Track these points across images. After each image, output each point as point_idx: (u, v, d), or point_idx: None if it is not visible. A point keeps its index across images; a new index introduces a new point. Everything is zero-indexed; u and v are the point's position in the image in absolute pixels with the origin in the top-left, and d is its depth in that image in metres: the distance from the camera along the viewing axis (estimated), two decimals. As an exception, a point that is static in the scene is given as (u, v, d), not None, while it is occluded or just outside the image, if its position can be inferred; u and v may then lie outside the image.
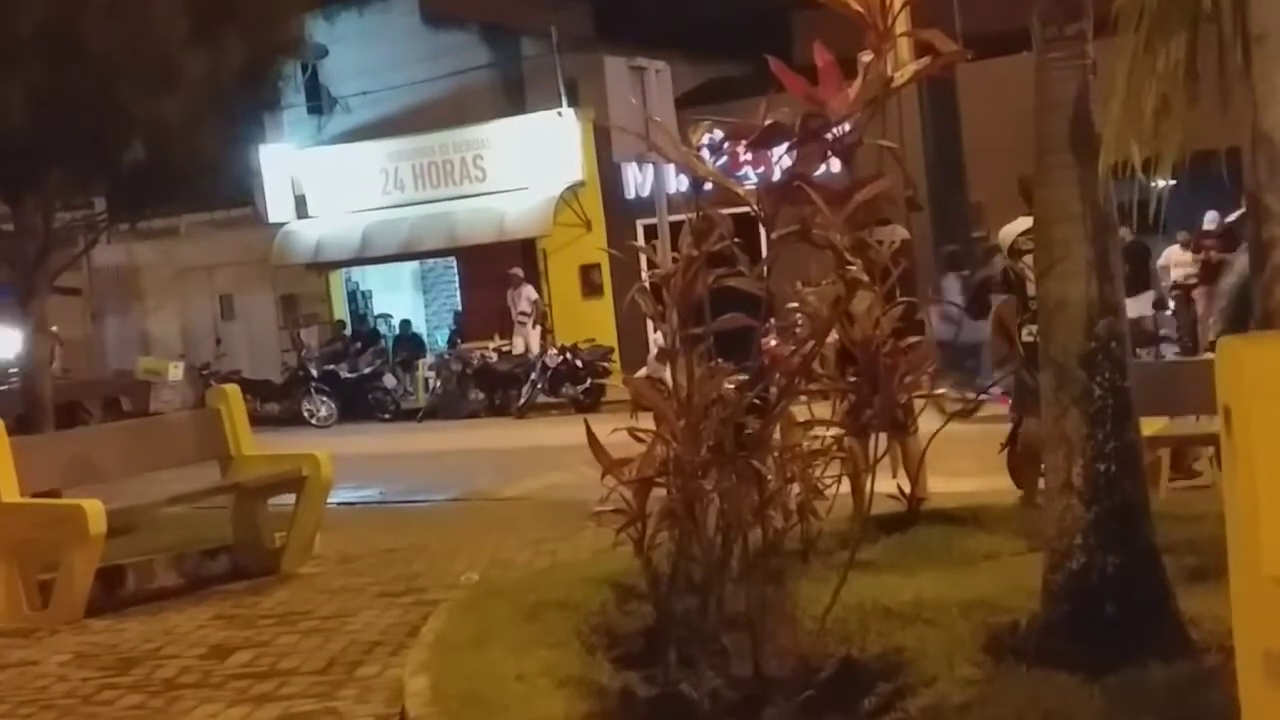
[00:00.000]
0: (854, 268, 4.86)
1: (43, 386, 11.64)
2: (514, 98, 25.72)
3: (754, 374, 5.18)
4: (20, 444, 8.20)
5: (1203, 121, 4.24)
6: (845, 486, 5.96)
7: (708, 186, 5.16)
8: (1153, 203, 4.50)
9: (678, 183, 14.25)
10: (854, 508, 6.77)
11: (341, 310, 27.72)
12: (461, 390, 22.44)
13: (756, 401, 5.12)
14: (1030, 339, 8.16)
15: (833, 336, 5.47)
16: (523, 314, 22.90)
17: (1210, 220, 18.82)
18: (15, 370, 18.49)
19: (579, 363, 20.99)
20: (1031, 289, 8.05)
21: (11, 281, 11.81)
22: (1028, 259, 8.11)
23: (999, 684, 4.68)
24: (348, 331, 26.48)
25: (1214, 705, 3.91)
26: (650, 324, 14.06)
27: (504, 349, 22.63)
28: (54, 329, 22.60)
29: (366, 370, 23.18)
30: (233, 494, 9.06)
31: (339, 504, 10.63)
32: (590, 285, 24.09)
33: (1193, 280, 19.45)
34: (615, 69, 11.04)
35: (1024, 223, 8.24)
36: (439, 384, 22.86)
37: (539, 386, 21.31)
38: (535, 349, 22.50)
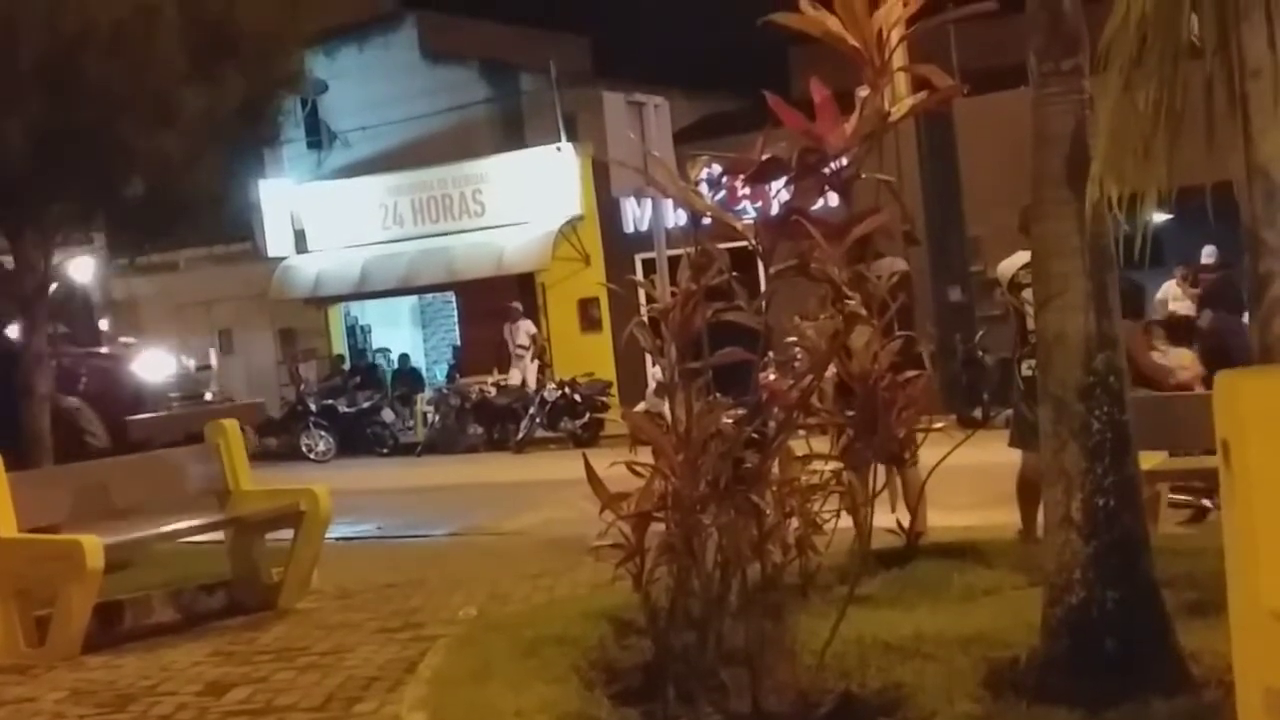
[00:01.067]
0: (852, 301, 4.86)
1: (40, 419, 11.62)
2: (513, 133, 25.83)
3: (752, 408, 5.17)
4: (18, 479, 8.18)
5: (1193, 156, 4.25)
6: (844, 521, 5.93)
7: (706, 221, 5.17)
8: (1138, 239, 4.50)
9: (676, 217, 14.30)
10: (854, 542, 6.76)
11: (340, 345, 27.77)
12: (460, 425, 22.46)
13: (755, 436, 5.12)
14: (1029, 373, 8.17)
15: (831, 370, 5.48)
16: (521, 347, 22.94)
17: (1208, 255, 18.87)
18: (176, 395, 18.56)
19: (577, 397, 21.01)
20: (1031, 323, 8.08)
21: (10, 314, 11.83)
22: (1027, 293, 8.13)
23: (999, 719, 4.66)
24: (346, 366, 26.51)
25: (1215, 741, 3.89)
26: (648, 358, 14.06)
27: (502, 383, 22.65)
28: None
29: (365, 405, 23.19)
30: (230, 529, 9.03)
31: (337, 539, 10.60)
32: (589, 319, 24.14)
33: (1190, 314, 19.49)
34: (614, 104, 11.08)
35: (1023, 256, 8.25)
36: (437, 418, 22.88)
37: (537, 421, 21.32)
38: (533, 383, 22.53)
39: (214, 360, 24.47)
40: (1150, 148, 4.18)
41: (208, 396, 19.86)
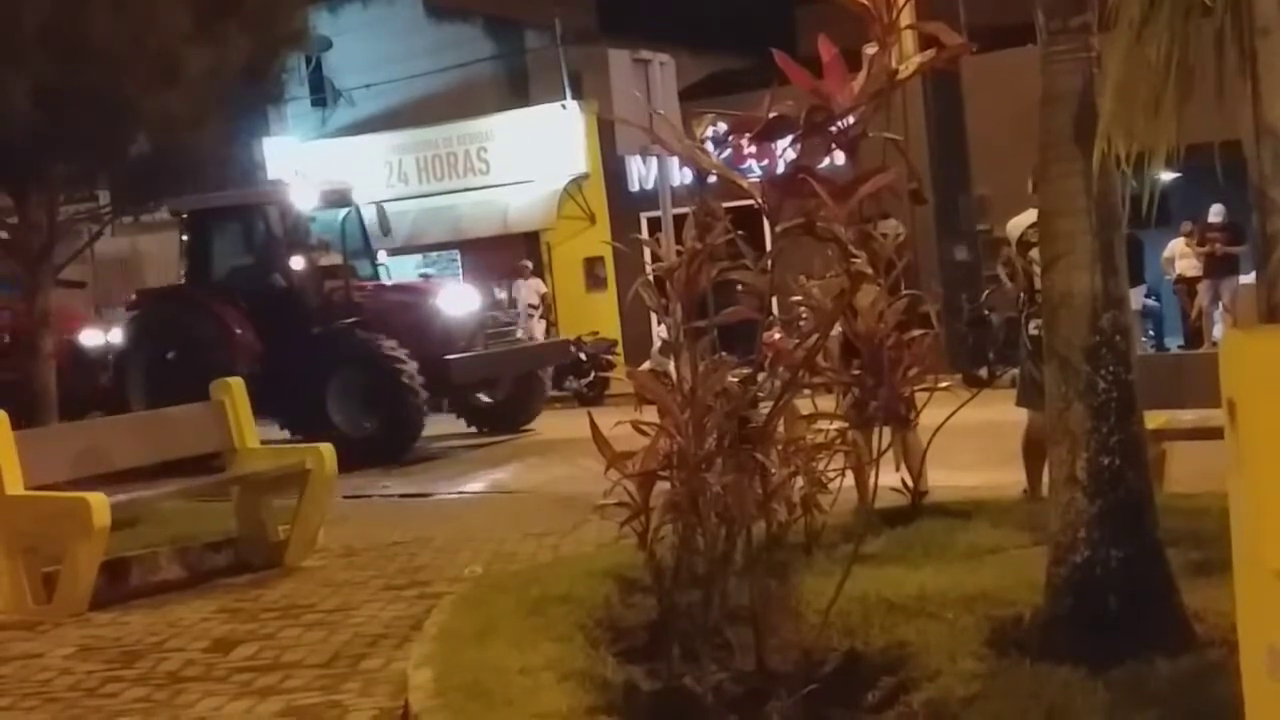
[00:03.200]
0: (858, 260, 4.85)
1: (45, 378, 11.65)
2: (518, 90, 25.72)
3: (757, 367, 5.17)
4: (25, 437, 8.21)
5: (1201, 114, 4.23)
6: (849, 480, 5.94)
7: (711, 179, 5.15)
8: (1145, 197, 4.48)
9: (681, 176, 14.30)
10: (858, 501, 6.77)
11: (345, 303, 27.70)
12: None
13: (760, 395, 5.12)
14: (1036, 332, 8.15)
15: (837, 329, 5.47)
16: (531, 306, 22.88)
17: (1216, 213, 18.81)
18: (508, 325, 17.24)
19: (582, 356, 20.99)
20: (1039, 282, 8.05)
21: (16, 274, 11.84)
22: (1035, 252, 8.10)
23: (1002, 678, 4.68)
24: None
25: (1217, 699, 3.90)
26: (654, 317, 14.06)
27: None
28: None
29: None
30: (237, 487, 9.06)
31: (344, 497, 10.63)
32: (594, 278, 24.09)
33: (1197, 273, 19.46)
34: (619, 62, 11.04)
35: (1032, 215, 8.22)
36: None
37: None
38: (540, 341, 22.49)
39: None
40: (1160, 104, 4.15)
41: (519, 334, 18.28)
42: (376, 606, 7.41)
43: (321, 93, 27.48)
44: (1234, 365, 2.98)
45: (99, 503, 7.60)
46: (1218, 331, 18.29)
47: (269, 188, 17.69)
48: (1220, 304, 18.91)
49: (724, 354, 5.31)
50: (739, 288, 5.08)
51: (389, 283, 17.24)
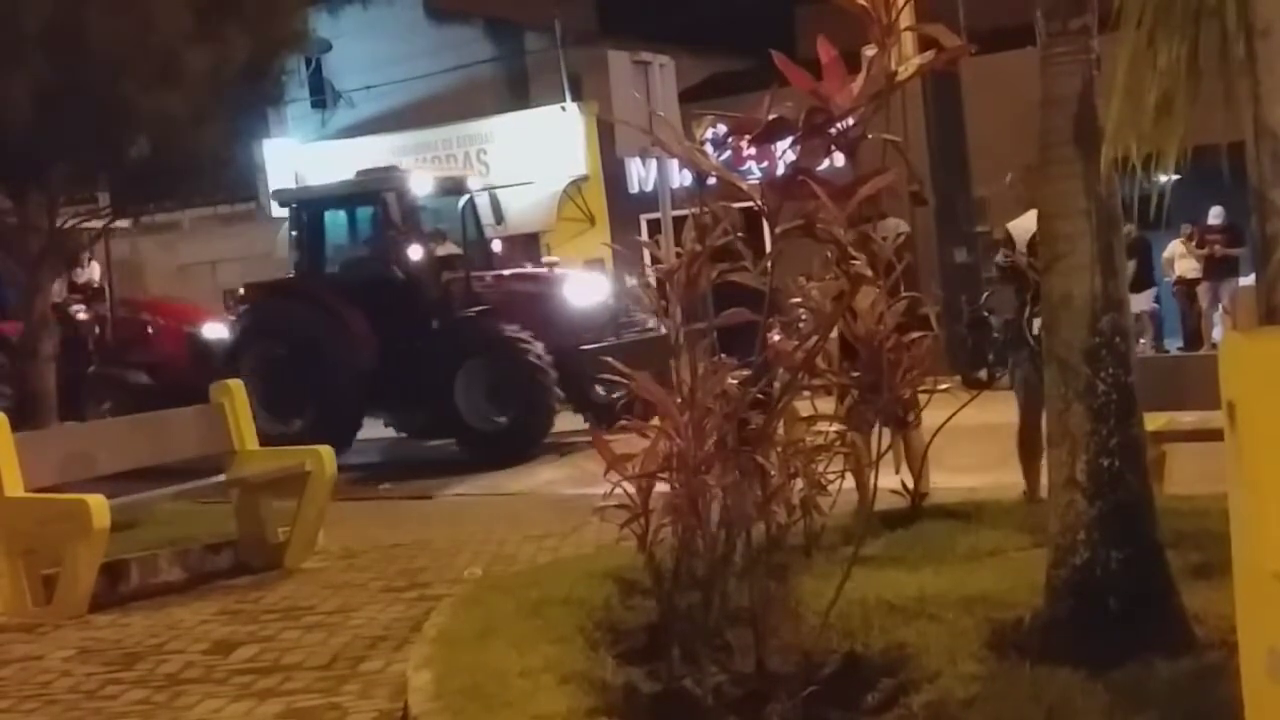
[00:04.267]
0: (858, 262, 4.85)
1: (45, 380, 11.64)
2: (518, 92, 25.70)
3: (757, 369, 5.17)
4: (24, 439, 8.20)
5: (1205, 116, 4.23)
6: (848, 482, 5.94)
7: (711, 181, 5.15)
8: (1155, 198, 4.49)
9: (681, 177, 14.30)
10: (858, 503, 6.77)
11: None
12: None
13: (760, 397, 5.12)
14: (1040, 332, 8.15)
15: (836, 331, 5.46)
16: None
17: (1215, 215, 18.81)
18: (624, 322, 15.40)
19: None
20: None
21: (15, 276, 11.85)
22: None
23: (1002, 680, 4.68)
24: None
25: (1217, 701, 3.90)
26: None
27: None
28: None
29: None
30: (236, 489, 9.06)
31: (343, 498, 10.63)
32: (594, 280, 24.07)
33: (1196, 275, 19.46)
34: (619, 63, 11.05)
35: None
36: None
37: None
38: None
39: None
40: (1172, 106, 4.15)
41: (650, 323, 16.69)
42: (376, 608, 7.41)
43: (321, 94, 27.46)
44: (1233, 367, 2.99)
45: (98, 505, 7.60)
46: (1217, 334, 18.30)
47: (384, 174, 16.83)
48: (1220, 306, 18.93)
49: (724, 356, 5.31)
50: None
51: (509, 272, 16.28)
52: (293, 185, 26.38)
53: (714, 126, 5.26)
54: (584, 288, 15.70)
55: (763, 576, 5.24)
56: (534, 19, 25.21)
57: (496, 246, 17.39)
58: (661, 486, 5.15)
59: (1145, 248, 18.22)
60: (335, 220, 16.63)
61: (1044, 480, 7.58)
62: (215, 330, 17.80)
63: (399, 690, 5.54)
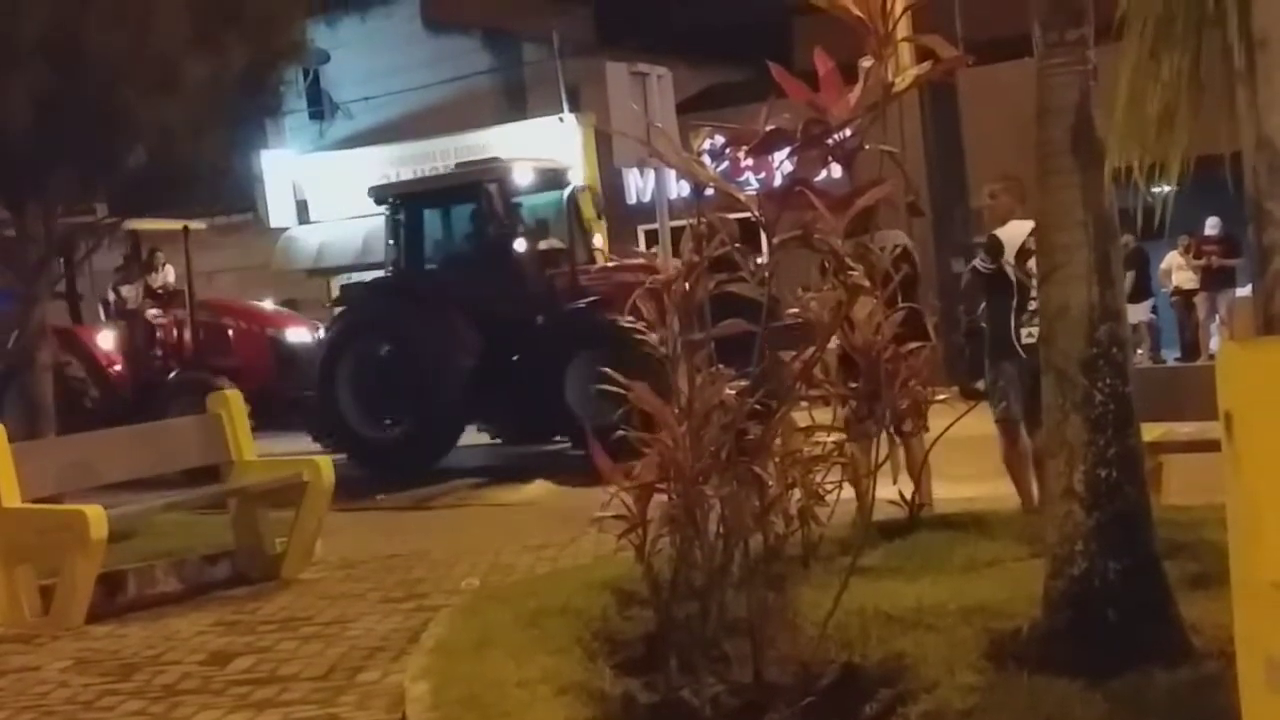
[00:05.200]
0: (855, 273, 4.86)
1: (42, 389, 11.62)
2: (516, 103, 25.74)
3: (755, 380, 5.17)
4: (22, 448, 8.20)
5: (1206, 126, 4.24)
6: (846, 492, 5.95)
7: (709, 192, 5.16)
8: (1158, 209, 4.50)
9: (679, 188, 14.30)
10: (856, 513, 6.76)
11: (344, 316, 27.68)
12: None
13: (758, 407, 5.12)
14: (1030, 340, 8.18)
15: (834, 342, 5.47)
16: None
17: (1212, 226, 18.85)
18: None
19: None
20: (1034, 291, 8.09)
21: (13, 286, 11.82)
22: (1033, 263, 8.13)
23: (1000, 690, 4.67)
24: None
25: (1215, 711, 3.90)
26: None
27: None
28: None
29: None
30: (234, 499, 9.05)
31: (340, 509, 10.62)
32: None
33: (1193, 286, 19.50)
34: (617, 74, 11.06)
35: (1026, 225, 8.25)
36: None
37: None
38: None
39: None
40: (1175, 116, 4.16)
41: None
42: (374, 619, 7.40)
43: (319, 105, 27.51)
44: (1230, 378, 2.99)
45: (96, 515, 7.59)
46: (1214, 344, 18.32)
47: (486, 166, 16.40)
48: (1216, 317, 18.96)
49: (721, 367, 5.31)
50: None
51: (614, 263, 15.59)
52: (291, 196, 26.64)
53: (711, 137, 5.27)
54: None
55: (760, 587, 5.24)
56: (532, 30, 25.27)
57: (598, 241, 17.03)
58: (659, 497, 5.15)
59: (1143, 258, 18.26)
60: (436, 215, 16.13)
61: (1036, 488, 7.61)
62: (298, 334, 17.44)
63: (396, 701, 5.53)
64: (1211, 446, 3.25)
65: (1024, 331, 8.19)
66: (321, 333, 17.32)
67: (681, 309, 5.19)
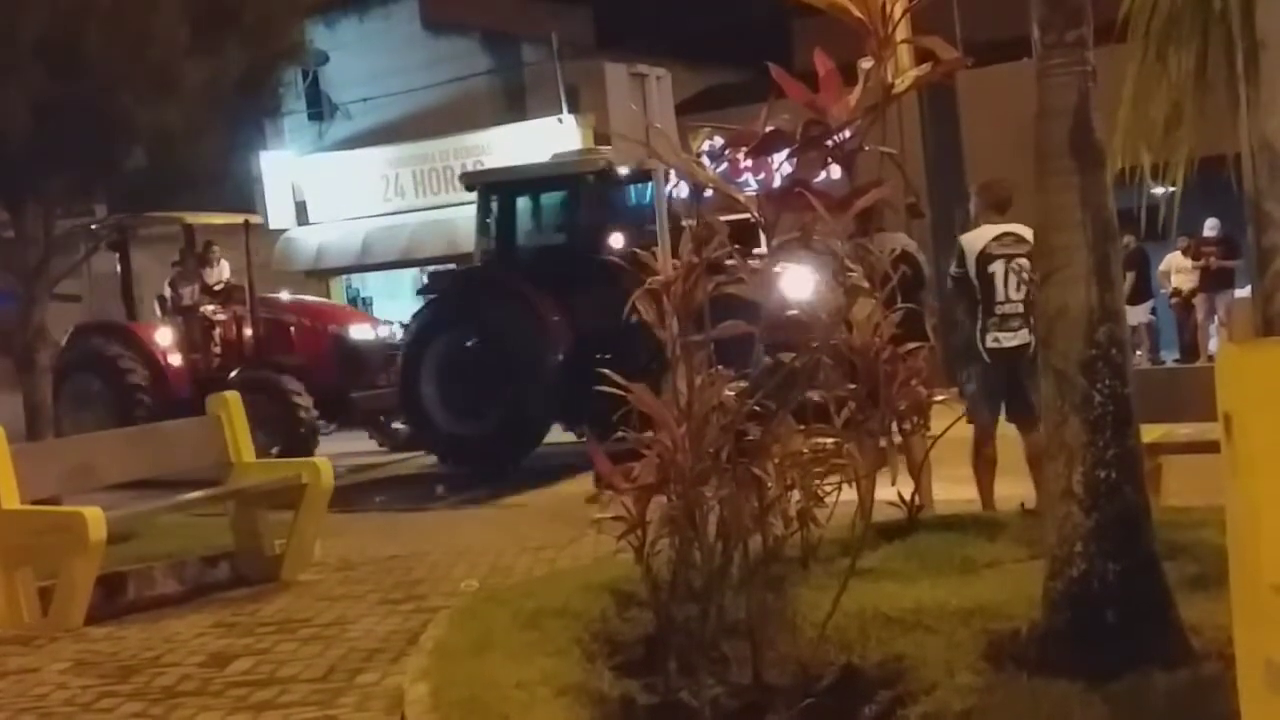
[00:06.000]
0: (854, 274, 4.85)
1: (42, 391, 11.63)
2: (515, 104, 25.76)
3: (754, 381, 5.17)
4: (21, 450, 8.19)
5: (1208, 126, 4.25)
6: (845, 494, 5.94)
7: (708, 193, 5.16)
8: (1163, 209, 4.51)
9: (678, 189, 14.27)
10: (855, 515, 6.76)
11: (342, 317, 27.71)
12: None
13: (757, 409, 5.12)
14: (995, 345, 8.20)
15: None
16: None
17: (1211, 227, 18.84)
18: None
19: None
20: (1000, 295, 8.14)
21: (12, 288, 11.83)
22: (995, 266, 8.18)
23: (999, 692, 4.67)
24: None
25: (1215, 713, 3.90)
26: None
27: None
28: None
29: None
30: (233, 501, 9.05)
31: (339, 510, 10.62)
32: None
33: (1193, 287, 19.49)
34: (616, 76, 11.05)
35: (992, 230, 8.30)
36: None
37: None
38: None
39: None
40: (1181, 116, 4.17)
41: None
42: (373, 620, 7.40)
43: (318, 107, 27.53)
44: (1230, 379, 2.99)
45: (95, 517, 7.58)
46: (1213, 346, 18.32)
47: (583, 157, 16.02)
48: (1216, 318, 18.95)
49: (720, 368, 5.31)
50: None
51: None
52: (290, 197, 26.63)
53: (711, 138, 5.27)
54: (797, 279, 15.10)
55: (760, 588, 5.24)
56: (531, 31, 25.29)
57: None
58: (658, 498, 5.15)
59: (1143, 259, 18.25)
60: (530, 204, 15.74)
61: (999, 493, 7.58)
62: (362, 331, 17.09)
63: (395, 703, 5.53)
64: (1211, 448, 3.25)
65: (989, 336, 8.23)
66: (383, 330, 17.07)
67: (681, 310, 5.18)
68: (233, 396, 9.26)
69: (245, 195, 23.87)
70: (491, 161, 24.40)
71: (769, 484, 5.21)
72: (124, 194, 12.41)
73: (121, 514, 8.31)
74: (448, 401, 14.36)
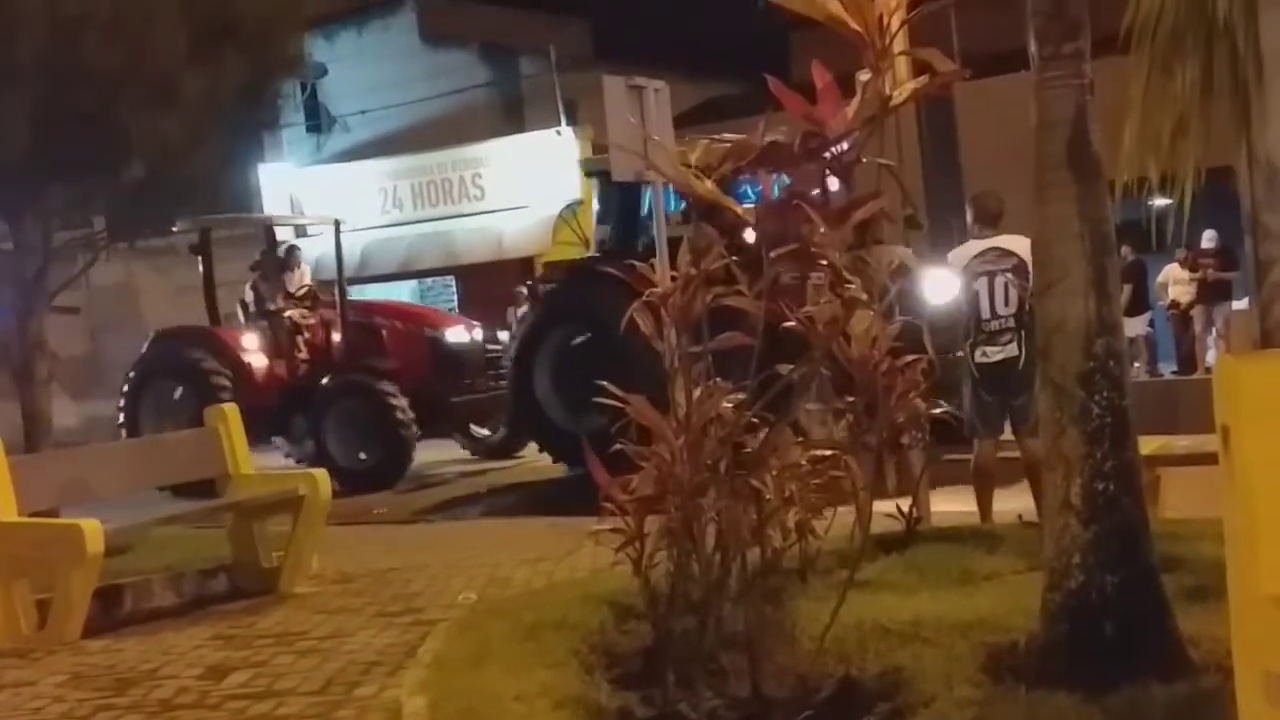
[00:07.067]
0: (852, 286, 4.86)
1: (41, 403, 11.62)
2: (513, 116, 25.81)
3: (752, 393, 5.17)
4: (18, 462, 8.18)
5: (1216, 138, 4.25)
6: (843, 506, 5.94)
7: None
8: (1171, 221, 4.51)
9: (676, 202, 14.27)
10: (854, 527, 6.76)
11: (340, 328, 27.70)
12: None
13: (755, 420, 5.12)
14: (983, 359, 8.21)
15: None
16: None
17: (1208, 239, 18.85)
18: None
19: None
20: (985, 311, 8.16)
21: (10, 300, 11.81)
22: (980, 283, 8.21)
23: (998, 704, 4.67)
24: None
25: (1213, 725, 3.90)
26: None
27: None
28: None
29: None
30: (231, 513, 9.04)
31: (337, 523, 10.61)
32: (589, 304, 24.06)
33: (1191, 298, 19.50)
34: (614, 88, 11.05)
35: (976, 246, 8.33)
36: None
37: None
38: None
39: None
40: (1188, 129, 4.17)
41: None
42: (370, 633, 7.38)
43: (317, 119, 27.58)
44: (1227, 391, 2.99)
45: (92, 529, 7.57)
46: (1211, 358, 18.33)
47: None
48: (1213, 330, 18.96)
49: (718, 380, 5.31)
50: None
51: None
52: (289, 209, 26.61)
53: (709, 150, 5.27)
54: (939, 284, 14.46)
55: (758, 601, 5.24)
56: (529, 44, 25.35)
57: None
58: (657, 510, 5.15)
59: (1141, 271, 18.26)
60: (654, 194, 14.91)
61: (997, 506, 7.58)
62: (457, 334, 16.69)
63: (393, 715, 5.52)
64: (1209, 460, 3.25)
65: (978, 351, 8.25)
66: (478, 332, 16.76)
67: (679, 322, 5.19)
68: (231, 409, 9.25)
69: (244, 207, 23.82)
70: (490, 174, 24.46)
71: (767, 496, 5.21)
72: (122, 206, 12.39)
73: (119, 526, 8.30)
74: (560, 398, 13.90)
